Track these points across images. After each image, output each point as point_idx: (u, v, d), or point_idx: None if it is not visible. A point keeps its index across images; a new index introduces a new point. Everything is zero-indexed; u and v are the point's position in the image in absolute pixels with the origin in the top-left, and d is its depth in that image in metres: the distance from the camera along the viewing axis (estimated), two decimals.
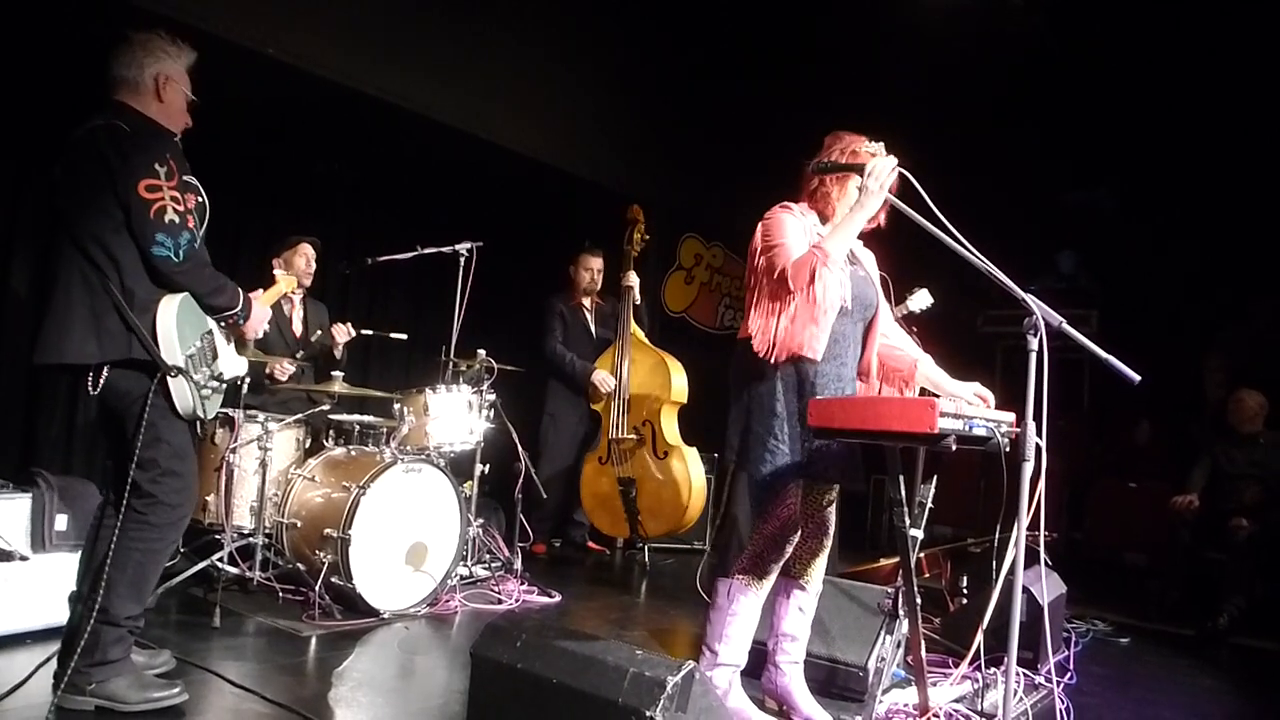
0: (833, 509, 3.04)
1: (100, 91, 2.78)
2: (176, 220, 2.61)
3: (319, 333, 4.91)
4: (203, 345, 2.76)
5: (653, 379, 5.58)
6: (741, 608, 2.93)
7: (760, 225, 2.92)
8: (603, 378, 5.61)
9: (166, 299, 2.66)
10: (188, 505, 2.80)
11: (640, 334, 5.75)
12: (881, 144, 2.85)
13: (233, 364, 2.93)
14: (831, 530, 3.05)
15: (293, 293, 4.74)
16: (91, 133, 2.64)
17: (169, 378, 2.64)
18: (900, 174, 2.74)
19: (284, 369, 4.67)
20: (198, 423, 2.82)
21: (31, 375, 4.40)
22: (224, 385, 2.88)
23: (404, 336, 4.87)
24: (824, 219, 2.95)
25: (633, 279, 5.67)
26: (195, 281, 2.71)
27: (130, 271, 2.61)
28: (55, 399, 4.68)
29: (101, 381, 2.62)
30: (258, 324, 2.99)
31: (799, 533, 2.88)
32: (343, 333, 4.85)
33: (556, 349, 5.75)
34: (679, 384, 5.56)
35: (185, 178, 2.69)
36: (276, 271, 3.29)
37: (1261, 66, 6.16)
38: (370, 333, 4.89)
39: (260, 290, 3.31)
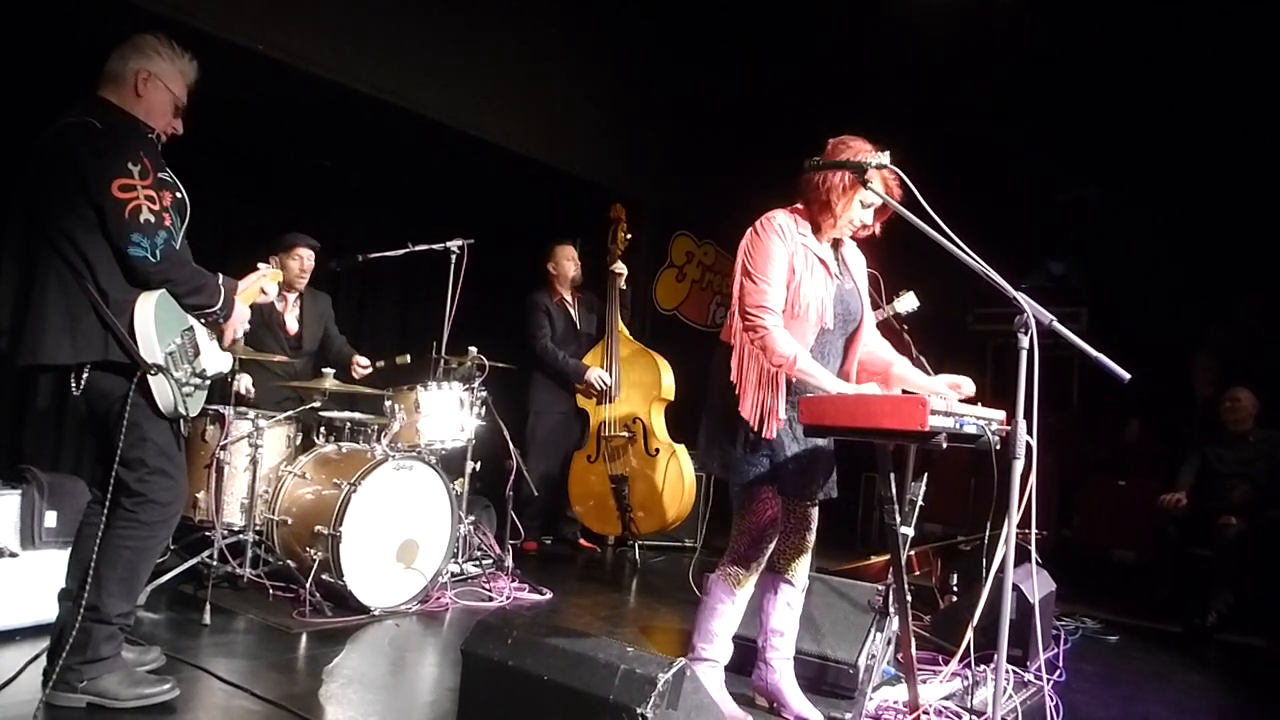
0: (815, 506, 3.05)
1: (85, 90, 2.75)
2: (152, 220, 2.57)
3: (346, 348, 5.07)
4: (183, 342, 2.73)
5: (642, 376, 5.61)
6: (724, 604, 2.94)
7: (748, 237, 2.84)
8: (600, 375, 5.62)
9: (144, 297, 2.63)
10: (178, 503, 2.79)
11: (625, 332, 5.77)
12: (887, 153, 2.77)
13: (216, 360, 2.89)
14: (814, 525, 3.06)
15: (279, 295, 4.73)
16: (62, 131, 2.59)
17: (149, 376, 2.62)
18: (895, 172, 2.73)
19: (360, 369, 4.89)
20: (182, 420, 2.79)
21: (20, 373, 4.38)
22: (207, 382, 2.86)
23: (407, 359, 4.88)
24: (819, 230, 2.88)
25: (621, 266, 5.72)
26: (174, 280, 2.68)
27: (104, 271, 2.58)
28: (44, 397, 4.67)
29: (83, 382, 2.59)
30: (239, 323, 2.93)
31: (780, 531, 2.90)
32: (359, 371, 4.89)
33: (548, 346, 5.72)
34: (668, 382, 5.60)
35: (160, 175, 2.65)
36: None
37: (1252, 66, 6.19)
38: (382, 364, 4.93)
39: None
